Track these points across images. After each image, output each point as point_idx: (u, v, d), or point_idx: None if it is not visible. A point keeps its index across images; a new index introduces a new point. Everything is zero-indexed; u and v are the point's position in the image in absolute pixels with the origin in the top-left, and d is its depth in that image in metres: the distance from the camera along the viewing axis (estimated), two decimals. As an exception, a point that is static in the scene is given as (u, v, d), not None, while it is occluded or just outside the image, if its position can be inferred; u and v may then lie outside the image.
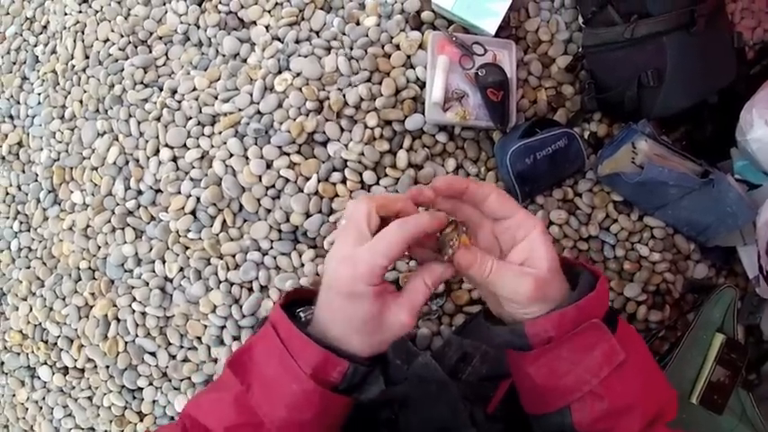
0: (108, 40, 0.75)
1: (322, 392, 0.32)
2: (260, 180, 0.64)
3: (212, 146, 0.67)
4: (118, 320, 0.70)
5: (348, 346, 0.32)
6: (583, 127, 0.68)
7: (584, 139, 0.66)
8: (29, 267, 0.77)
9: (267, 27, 0.69)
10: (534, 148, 0.61)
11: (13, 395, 0.77)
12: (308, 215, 0.64)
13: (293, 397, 0.32)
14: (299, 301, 0.37)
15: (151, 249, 0.69)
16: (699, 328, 0.63)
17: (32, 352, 0.75)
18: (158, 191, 0.69)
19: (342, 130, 0.64)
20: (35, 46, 0.82)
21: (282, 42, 0.67)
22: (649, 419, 0.33)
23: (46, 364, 0.75)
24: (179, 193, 0.67)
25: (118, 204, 0.70)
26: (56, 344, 0.74)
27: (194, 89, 0.69)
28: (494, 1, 0.63)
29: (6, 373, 0.78)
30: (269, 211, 0.65)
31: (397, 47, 0.66)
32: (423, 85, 0.65)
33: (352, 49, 0.65)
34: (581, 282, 0.34)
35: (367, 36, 0.66)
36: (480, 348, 0.53)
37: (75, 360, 0.73)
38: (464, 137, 0.65)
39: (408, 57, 0.65)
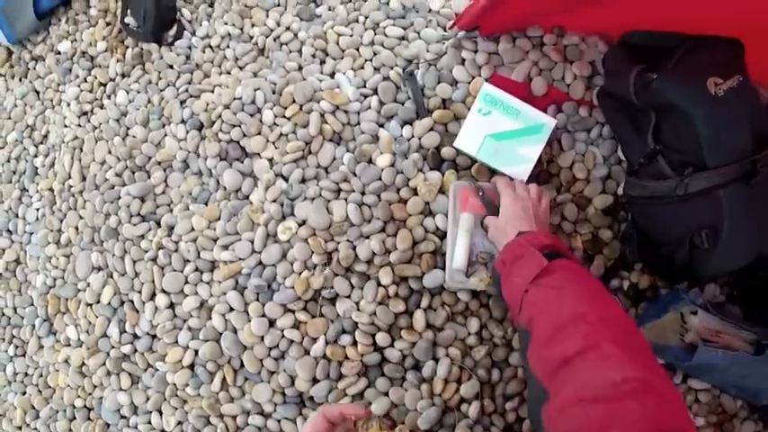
0: (105, 162, 0.71)
1: None
2: (262, 340, 0.58)
3: (211, 295, 0.61)
4: (113, 470, 0.66)
5: None
6: (622, 276, 0.60)
7: (622, 292, 0.58)
8: (24, 393, 0.73)
9: (271, 161, 0.63)
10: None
11: None
12: (314, 380, 0.57)
13: None
14: None
15: (148, 400, 0.64)
16: None
17: (25, 488, 0.72)
18: (155, 337, 0.64)
19: (352, 286, 0.58)
20: (35, 156, 0.79)
21: (287, 182, 0.61)
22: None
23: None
24: (176, 343, 0.62)
25: (113, 347, 0.65)
26: (50, 484, 0.70)
27: (192, 229, 0.63)
28: (525, 144, 0.56)
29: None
30: (272, 373, 0.59)
31: (415, 191, 0.59)
32: (443, 236, 0.58)
33: (363, 194, 0.59)
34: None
35: (380, 179, 0.59)
36: None
37: (69, 504, 0.68)
38: (489, 294, 0.58)
39: (427, 203, 0.59)
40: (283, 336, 0.58)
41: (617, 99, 0.56)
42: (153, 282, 0.63)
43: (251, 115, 0.65)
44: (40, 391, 0.72)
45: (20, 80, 0.86)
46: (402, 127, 0.61)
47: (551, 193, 0.58)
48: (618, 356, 0.33)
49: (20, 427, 0.73)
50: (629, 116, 0.55)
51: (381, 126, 0.62)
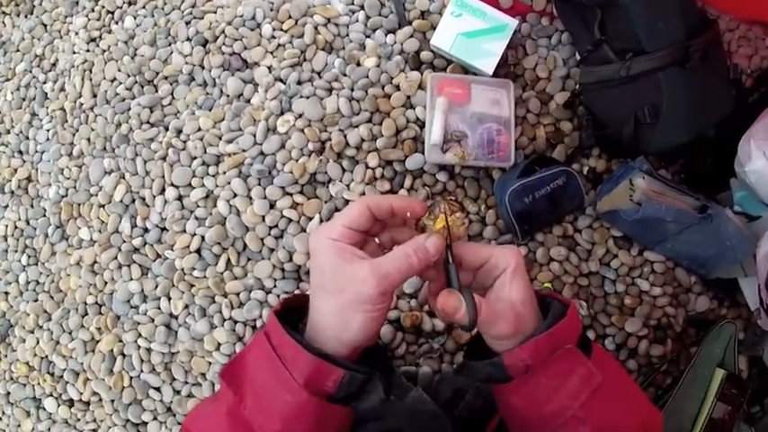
0: (115, 79, 0.77)
1: (317, 403, 0.31)
2: (263, 220, 0.65)
3: (217, 185, 0.68)
4: (123, 356, 0.71)
5: (332, 327, 0.32)
6: (581, 163, 0.68)
7: (582, 176, 0.67)
8: (36, 300, 0.78)
9: (270, 68, 0.70)
10: (533, 188, 0.62)
11: (18, 425, 0.78)
12: (310, 254, 0.65)
13: (287, 408, 0.31)
14: (300, 310, 0.36)
15: (157, 287, 0.70)
16: (699, 364, 0.64)
17: (38, 384, 0.76)
18: (164, 229, 0.70)
19: (343, 170, 0.65)
20: (44, 83, 0.84)
21: (285, 83, 0.69)
22: None
23: (51, 395, 0.76)
24: (184, 231, 0.68)
25: (124, 242, 0.71)
26: (62, 377, 0.75)
27: (199, 129, 0.70)
28: (491, 41, 0.64)
29: (12, 404, 0.79)
30: (272, 250, 0.66)
31: (397, 87, 0.67)
32: (422, 125, 0.66)
33: (353, 90, 0.67)
34: (552, 310, 0.36)
35: (367, 77, 0.67)
36: (474, 384, 0.53)
37: (81, 393, 0.73)
38: (464, 175, 0.66)
39: (408, 97, 0.67)
40: (282, 215, 0.65)
41: (570, 2, 0.65)
42: (163, 177, 0.70)
43: (251, 30, 0.72)
44: (51, 297, 0.77)
45: (25, 16, 0.91)
46: (386, 35, 0.69)
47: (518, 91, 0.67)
48: None
49: (32, 331, 0.78)
50: (579, 15, 0.64)
51: (368, 37, 0.70)
